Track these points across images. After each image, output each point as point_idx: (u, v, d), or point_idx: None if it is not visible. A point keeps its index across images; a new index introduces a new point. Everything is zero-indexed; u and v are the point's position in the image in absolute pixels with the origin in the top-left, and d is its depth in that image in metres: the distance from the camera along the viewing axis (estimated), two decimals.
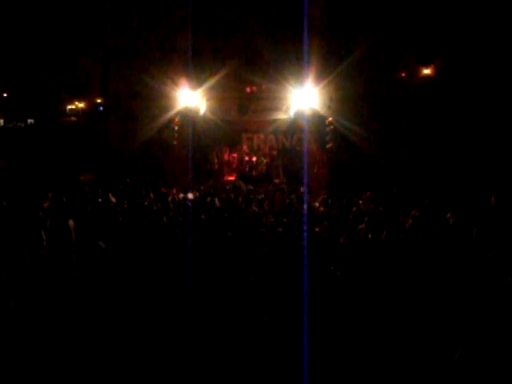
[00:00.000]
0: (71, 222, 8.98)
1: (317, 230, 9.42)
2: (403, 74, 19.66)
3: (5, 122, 31.43)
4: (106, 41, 20.50)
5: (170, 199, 13.16)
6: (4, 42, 23.62)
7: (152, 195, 13.68)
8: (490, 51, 17.04)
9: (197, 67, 18.72)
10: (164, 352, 4.96)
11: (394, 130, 18.05)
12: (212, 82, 18.78)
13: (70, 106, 30.75)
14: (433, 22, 17.59)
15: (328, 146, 19.03)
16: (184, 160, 19.74)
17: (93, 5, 20.40)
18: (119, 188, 15.03)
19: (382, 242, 8.30)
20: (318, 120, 18.93)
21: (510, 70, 16.73)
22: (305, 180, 17.81)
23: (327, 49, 18.36)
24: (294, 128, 20.47)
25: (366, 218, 10.07)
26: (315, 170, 19.00)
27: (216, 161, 20.65)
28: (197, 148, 20.13)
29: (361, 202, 12.76)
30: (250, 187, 16.52)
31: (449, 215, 10.38)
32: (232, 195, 14.14)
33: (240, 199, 13.23)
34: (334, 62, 18.12)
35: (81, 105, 27.68)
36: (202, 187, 16.19)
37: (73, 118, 30.56)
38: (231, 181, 19.41)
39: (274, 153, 20.53)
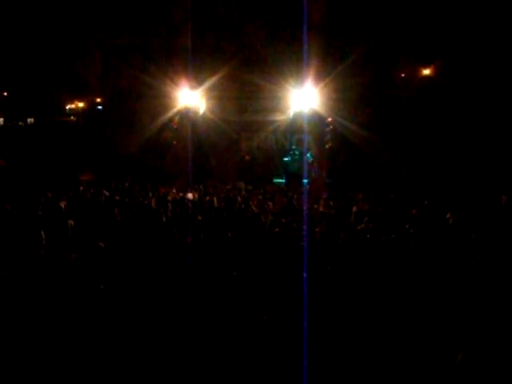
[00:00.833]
0: (71, 222, 8.99)
1: (317, 230, 9.43)
2: (403, 75, 19.67)
3: (5, 122, 31.44)
4: (105, 40, 20.50)
5: (169, 199, 13.16)
6: (4, 42, 23.61)
7: (151, 195, 13.68)
8: (489, 52, 17.05)
9: (196, 67, 18.71)
10: (164, 351, 4.97)
11: (393, 131, 18.05)
12: (212, 81, 18.78)
13: (69, 106, 30.82)
14: (432, 22, 17.59)
15: (327, 146, 19.03)
16: (183, 160, 19.75)
17: (92, 4, 20.39)
18: (118, 188, 15.02)
19: (381, 242, 8.31)
20: (318, 120, 18.92)
21: (510, 71, 16.74)
22: (304, 180, 17.84)
23: (327, 49, 18.35)
24: (293, 128, 20.46)
25: (365, 219, 10.09)
26: (315, 170, 19.00)
27: (215, 160, 20.64)
28: (196, 148, 20.14)
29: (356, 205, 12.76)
30: (249, 187, 16.52)
31: (448, 215, 10.40)
32: (231, 195, 14.15)
33: (239, 199, 13.23)
34: (333, 63, 18.11)
35: (80, 104, 27.75)
36: (201, 187, 16.17)
37: (72, 118, 30.63)
38: (231, 181, 19.39)
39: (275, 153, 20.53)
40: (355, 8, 18.51)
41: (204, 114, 19.86)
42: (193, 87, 18.99)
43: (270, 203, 12.87)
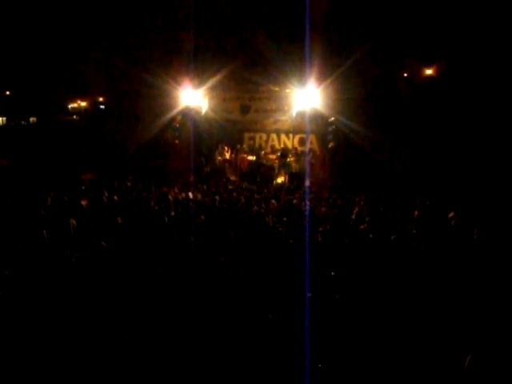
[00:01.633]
0: (73, 221, 8.99)
1: (320, 229, 9.43)
2: (405, 75, 19.64)
3: (7, 121, 31.51)
4: (108, 40, 20.51)
5: (171, 198, 13.16)
6: (7, 42, 23.65)
7: (154, 195, 13.70)
8: (492, 52, 17.02)
9: (199, 67, 18.71)
10: (164, 351, 4.96)
11: (395, 130, 18.03)
12: (214, 81, 18.76)
13: (71, 105, 30.88)
14: (435, 22, 17.57)
15: (330, 145, 19.01)
16: (186, 159, 19.77)
17: (95, 4, 20.41)
18: (121, 187, 15.04)
19: (383, 242, 8.30)
20: (320, 120, 18.92)
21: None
22: (307, 180, 17.84)
23: (329, 49, 18.34)
24: (296, 128, 20.46)
25: (367, 219, 10.09)
26: (317, 170, 19.01)
27: (218, 160, 20.64)
28: (199, 147, 20.15)
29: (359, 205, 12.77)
30: (253, 187, 16.55)
31: (451, 215, 10.39)
32: (234, 194, 14.16)
33: (242, 199, 13.24)
34: (336, 63, 18.09)
35: (83, 103, 27.77)
36: (204, 187, 16.19)
37: (75, 117, 30.68)
38: (233, 180, 19.42)
39: (277, 153, 20.49)
40: (358, 8, 18.49)
41: (206, 113, 19.85)
42: (195, 87, 18.99)
43: (274, 202, 12.89)
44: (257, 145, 21.22)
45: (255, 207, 11.77)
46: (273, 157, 20.72)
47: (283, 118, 19.71)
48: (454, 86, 17.92)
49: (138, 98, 20.35)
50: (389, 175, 16.77)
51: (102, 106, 24.47)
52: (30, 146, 22.39)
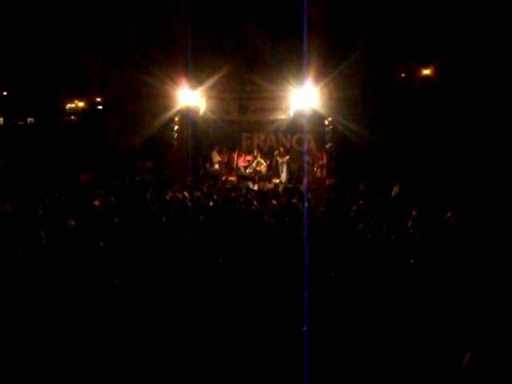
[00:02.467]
0: (71, 222, 8.98)
1: (318, 229, 9.43)
2: (403, 75, 19.67)
3: (4, 121, 31.44)
4: (105, 39, 20.48)
5: (169, 199, 13.16)
6: (4, 41, 23.60)
7: (151, 195, 13.68)
8: (490, 51, 17.05)
9: (197, 66, 18.69)
10: (163, 351, 4.96)
11: (393, 130, 18.05)
12: (212, 81, 18.75)
13: (69, 105, 30.78)
14: (433, 22, 17.59)
15: (328, 145, 19.02)
16: (184, 159, 19.76)
17: (92, 3, 20.38)
18: (118, 187, 15.03)
19: (380, 241, 8.30)
20: (318, 120, 18.93)
21: (511, 71, 16.74)
22: (305, 180, 17.85)
23: (327, 49, 18.35)
24: (293, 128, 20.45)
25: (364, 218, 10.09)
26: (315, 170, 19.01)
27: (216, 160, 20.62)
28: (197, 147, 20.14)
29: (360, 201, 12.77)
30: (251, 186, 16.54)
31: (449, 214, 10.39)
32: (233, 194, 14.15)
33: (241, 199, 13.24)
34: (333, 62, 18.12)
35: (80, 104, 27.71)
36: (202, 186, 16.19)
37: (72, 117, 30.61)
38: (231, 180, 19.40)
39: (275, 152, 20.47)
40: (356, 7, 18.51)
41: (204, 113, 19.83)
42: (193, 87, 18.96)
43: (274, 201, 12.89)
44: (255, 145, 21.19)
45: (253, 207, 11.78)
46: (271, 157, 20.70)
47: (281, 117, 19.69)
48: (451, 86, 17.95)
49: (135, 98, 20.33)
50: (387, 174, 16.78)
51: (99, 107, 24.43)
52: (28, 146, 22.35)
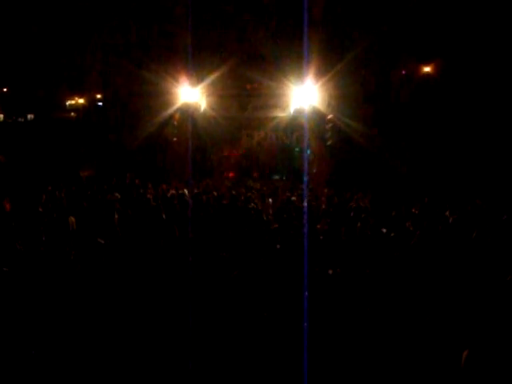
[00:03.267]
0: (72, 219, 8.98)
1: (318, 226, 9.43)
2: (403, 72, 19.66)
3: (5, 117, 31.41)
4: (106, 36, 20.47)
5: (169, 195, 13.15)
6: (4, 38, 23.57)
7: (151, 191, 13.67)
8: (490, 49, 17.03)
9: (197, 64, 18.69)
10: (163, 348, 4.97)
11: (393, 128, 18.04)
12: (212, 78, 18.75)
13: (69, 102, 30.79)
14: (433, 19, 17.57)
15: (328, 143, 19.02)
16: (184, 156, 19.76)
17: (93, 1, 20.36)
18: (118, 184, 15.02)
19: (380, 239, 8.31)
20: (318, 117, 18.92)
21: (511, 68, 16.72)
22: (305, 177, 17.84)
23: (327, 46, 18.33)
24: (293, 125, 20.46)
25: (363, 215, 10.09)
26: (315, 167, 19.00)
27: (216, 157, 20.63)
28: (197, 144, 20.14)
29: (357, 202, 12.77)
30: (251, 184, 16.54)
31: (447, 213, 10.40)
32: (234, 192, 14.14)
33: (240, 196, 13.23)
34: (333, 60, 18.10)
35: (81, 100, 27.71)
36: (202, 183, 16.19)
37: (73, 114, 30.59)
38: (231, 177, 19.41)
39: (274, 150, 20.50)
40: (356, 5, 18.49)
41: (204, 110, 19.83)
42: (193, 84, 18.97)
43: (271, 200, 12.89)
44: (255, 142, 21.20)
45: (252, 204, 11.77)
46: (270, 154, 20.72)
47: (281, 115, 19.70)
48: (452, 84, 17.93)
49: (136, 94, 20.33)
50: (387, 172, 16.78)
51: (99, 103, 24.42)
52: (28, 142, 22.32)
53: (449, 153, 17.11)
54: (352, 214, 10.69)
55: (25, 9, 22.90)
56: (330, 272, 6.54)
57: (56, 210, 9.96)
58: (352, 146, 18.70)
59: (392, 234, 8.29)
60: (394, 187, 14.77)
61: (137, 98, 20.31)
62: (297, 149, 20.38)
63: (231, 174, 19.88)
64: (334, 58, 18.20)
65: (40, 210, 9.86)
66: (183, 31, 19.07)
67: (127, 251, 7.38)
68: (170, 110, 19.52)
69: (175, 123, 19.91)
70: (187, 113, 19.65)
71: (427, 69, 19.25)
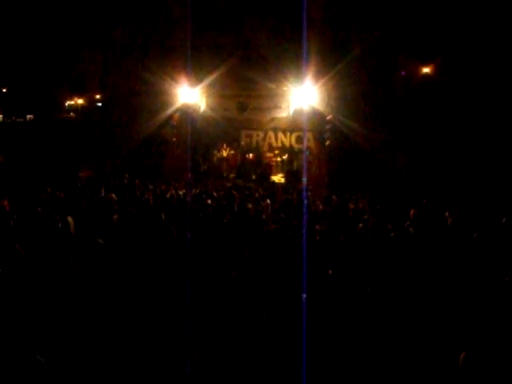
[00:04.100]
0: (70, 219, 8.98)
1: (317, 227, 9.44)
2: (403, 73, 19.67)
3: (4, 118, 31.42)
4: (105, 37, 20.47)
5: (168, 196, 13.16)
6: (3, 38, 23.58)
7: (150, 192, 13.68)
8: (490, 50, 17.05)
9: (196, 64, 18.70)
10: (162, 349, 4.98)
11: (393, 128, 18.06)
12: (211, 79, 18.76)
13: (69, 102, 30.79)
14: (433, 20, 17.59)
15: (327, 143, 19.03)
16: (183, 157, 19.79)
17: (92, 1, 20.36)
18: (116, 184, 15.03)
19: (380, 240, 8.31)
20: (317, 118, 18.93)
21: (511, 69, 16.74)
22: (304, 178, 17.85)
23: (326, 47, 18.34)
24: (293, 125, 20.47)
25: (364, 217, 10.10)
26: (314, 168, 19.01)
27: (215, 158, 20.64)
28: (196, 145, 20.15)
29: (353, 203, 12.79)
30: (250, 185, 16.54)
31: (447, 214, 10.41)
32: (234, 192, 14.15)
33: (239, 197, 13.24)
34: (333, 60, 18.11)
35: (80, 101, 27.70)
36: (201, 184, 16.19)
37: (72, 114, 30.60)
38: (230, 178, 19.42)
39: (275, 151, 20.49)
40: (355, 5, 18.50)
41: (204, 111, 19.84)
42: (193, 84, 18.98)
43: (269, 201, 12.89)
44: (254, 143, 21.21)
45: (250, 205, 11.78)
46: (270, 155, 20.73)
47: (280, 115, 19.70)
48: (451, 84, 17.94)
49: (135, 95, 20.33)
50: (386, 173, 16.79)
51: (99, 104, 24.42)
52: (27, 142, 22.32)
53: (448, 153, 17.12)
54: (350, 215, 10.72)
55: (24, 9, 22.91)
56: (330, 272, 6.55)
57: (55, 211, 9.96)
58: (351, 146, 18.72)
59: (391, 235, 8.30)
60: (392, 188, 14.80)
61: (136, 98, 20.31)
62: (296, 149, 20.38)
63: (231, 175, 19.90)
64: (334, 58, 18.21)
65: (39, 210, 9.86)
66: (182, 32, 19.07)
67: (126, 251, 7.38)
68: (170, 111, 19.53)
69: (174, 124, 19.92)
70: (186, 113, 19.67)
71: (426, 69, 19.26)
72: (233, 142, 21.08)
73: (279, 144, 20.98)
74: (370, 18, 18.24)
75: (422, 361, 4.50)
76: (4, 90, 30.92)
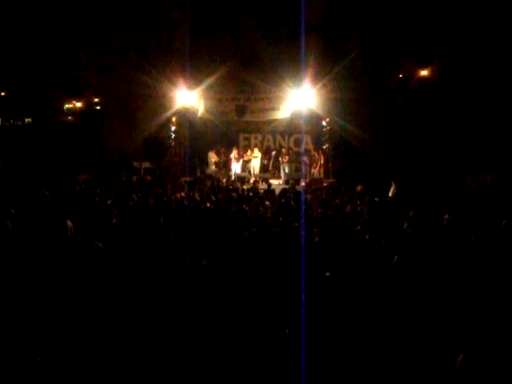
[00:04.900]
0: (70, 223, 8.99)
1: (315, 230, 9.45)
2: (400, 76, 19.71)
3: (2, 121, 31.43)
4: (103, 40, 20.48)
5: (167, 199, 13.16)
6: (2, 42, 23.60)
7: (149, 195, 13.69)
8: (488, 52, 17.08)
9: (194, 67, 18.70)
10: (161, 351, 4.97)
11: (390, 131, 18.07)
12: (209, 82, 18.77)
13: (67, 106, 30.83)
14: (430, 23, 17.62)
15: (325, 146, 19.04)
16: (181, 160, 19.79)
17: (90, 5, 20.39)
18: (113, 187, 15.03)
19: (378, 243, 8.33)
20: (316, 120, 18.94)
21: (509, 72, 16.77)
22: (302, 180, 17.86)
23: (324, 49, 18.36)
24: (291, 128, 20.47)
25: (363, 219, 10.12)
26: (312, 170, 19.01)
27: (213, 161, 20.62)
28: (194, 148, 20.14)
29: (357, 202, 12.79)
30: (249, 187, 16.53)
31: (445, 216, 10.42)
32: (234, 194, 14.16)
33: (237, 200, 13.25)
34: (331, 63, 18.13)
35: (78, 104, 27.75)
36: (199, 187, 16.17)
37: (70, 118, 30.64)
38: (228, 181, 19.38)
39: (273, 153, 20.47)
40: (353, 8, 18.53)
41: (202, 114, 19.84)
42: (190, 87, 18.99)
43: (268, 203, 12.90)
44: (252, 146, 21.20)
45: (248, 208, 11.79)
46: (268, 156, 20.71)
47: (279, 118, 19.70)
48: (449, 87, 17.98)
49: (133, 98, 20.34)
50: (385, 175, 16.78)
51: (97, 107, 24.44)
52: (26, 146, 22.34)
53: (446, 156, 17.14)
54: (348, 217, 10.72)
55: (23, 13, 22.93)
56: (328, 274, 6.55)
57: (54, 214, 9.97)
58: (349, 149, 18.72)
59: (389, 237, 8.31)
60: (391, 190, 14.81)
61: (134, 101, 20.32)
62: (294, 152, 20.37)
63: (228, 179, 19.88)
64: (331, 61, 18.23)
65: (39, 212, 9.87)
66: (181, 35, 19.10)
67: (125, 254, 7.38)
68: (168, 114, 19.53)
69: (173, 127, 19.93)
70: (185, 116, 19.67)
71: (424, 72, 19.30)
72: (231, 144, 21.06)
73: (277, 146, 20.97)
74: (368, 21, 18.27)
75: (420, 363, 4.51)
76: (2, 94, 30.93)
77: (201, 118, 20.03)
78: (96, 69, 21.27)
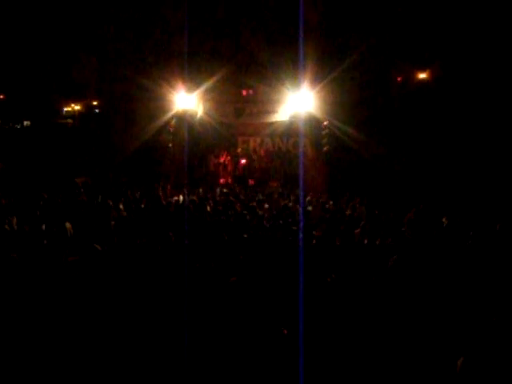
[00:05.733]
0: (68, 225, 8.98)
1: (315, 233, 9.45)
2: (399, 79, 19.75)
3: (1, 124, 31.43)
4: (102, 43, 20.50)
5: (165, 202, 13.17)
6: (0, 45, 23.61)
7: (148, 198, 13.68)
8: (487, 55, 17.13)
9: (193, 70, 18.73)
10: (160, 353, 4.97)
11: (389, 134, 18.10)
12: (208, 84, 18.80)
13: (66, 108, 30.86)
14: (429, 25, 17.67)
15: (324, 149, 19.07)
16: (180, 163, 19.78)
17: (89, 7, 20.41)
18: (112, 190, 15.02)
19: (377, 246, 8.33)
20: (314, 123, 18.96)
21: (508, 74, 16.81)
22: (301, 183, 17.86)
23: (323, 52, 18.41)
24: (290, 131, 20.50)
25: (361, 223, 10.11)
26: (311, 173, 19.03)
27: (212, 164, 20.65)
28: (193, 151, 20.15)
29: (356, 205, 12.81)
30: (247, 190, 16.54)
31: (444, 219, 10.43)
32: (231, 197, 14.15)
33: (236, 202, 13.24)
34: (330, 66, 18.17)
35: (77, 107, 27.77)
36: (199, 190, 16.19)
37: (69, 120, 30.66)
38: (227, 184, 19.41)
39: (271, 156, 20.51)
40: (352, 11, 18.57)
41: (200, 116, 19.86)
42: (189, 90, 19.02)
43: (267, 205, 12.90)
44: (251, 148, 21.22)
45: (244, 211, 11.78)
46: (266, 160, 20.73)
47: (277, 121, 19.73)
48: (447, 90, 18.02)
49: (132, 101, 20.34)
50: (383, 179, 16.81)
51: (96, 110, 24.45)
52: (25, 149, 22.33)
53: (445, 158, 17.17)
54: (347, 221, 10.72)
55: (21, 16, 22.95)
56: (327, 278, 6.55)
57: (53, 216, 9.96)
58: (348, 152, 18.74)
59: (388, 240, 8.31)
60: (390, 193, 14.81)
61: (133, 104, 20.32)
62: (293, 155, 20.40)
63: (228, 181, 19.89)
64: (330, 64, 18.27)
65: (37, 215, 9.86)
66: (180, 37, 19.11)
67: (124, 257, 7.37)
68: (167, 116, 19.56)
69: (171, 129, 19.94)
70: (183, 119, 19.69)
71: (423, 75, 19.35)
72: (230, 147, 21.09)
73: (276, 149, 20.99)
74: (366, 24, 18.31)
75: (420, 366, 4.51)
76: (1, 97, 30.94)
77: (200, 120, 20.05)
78: (95, 72, 21.29)
